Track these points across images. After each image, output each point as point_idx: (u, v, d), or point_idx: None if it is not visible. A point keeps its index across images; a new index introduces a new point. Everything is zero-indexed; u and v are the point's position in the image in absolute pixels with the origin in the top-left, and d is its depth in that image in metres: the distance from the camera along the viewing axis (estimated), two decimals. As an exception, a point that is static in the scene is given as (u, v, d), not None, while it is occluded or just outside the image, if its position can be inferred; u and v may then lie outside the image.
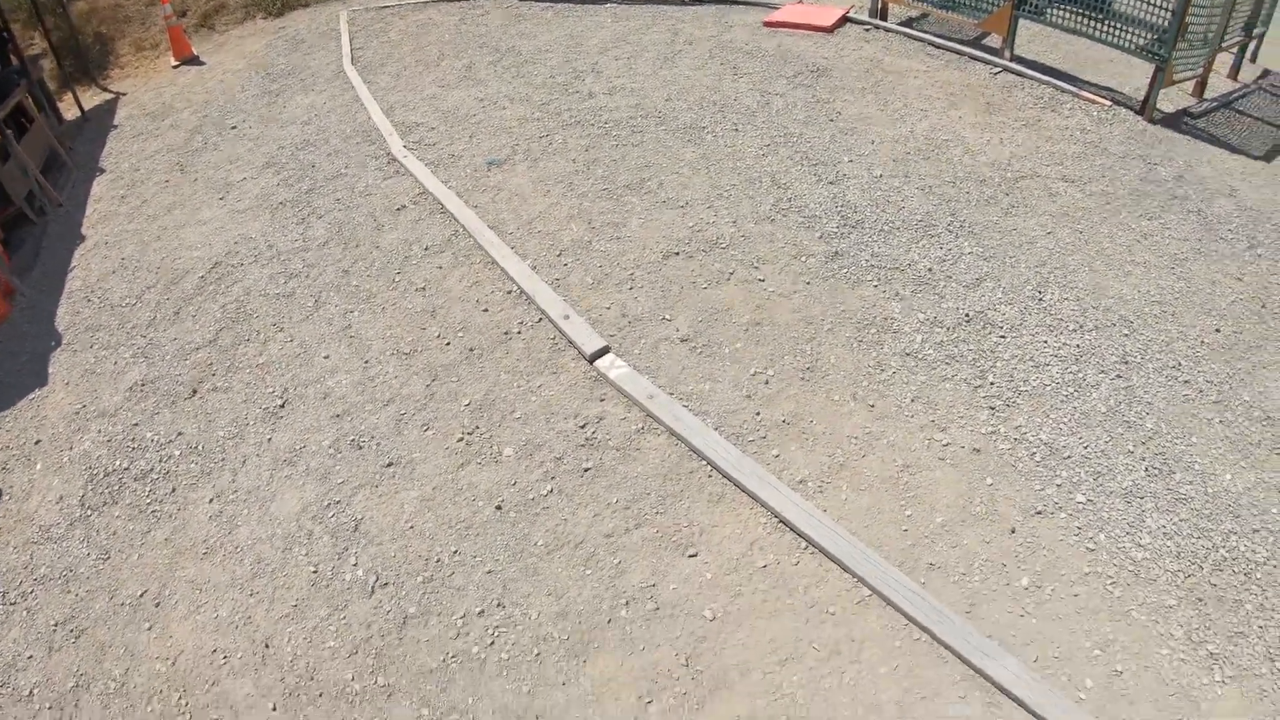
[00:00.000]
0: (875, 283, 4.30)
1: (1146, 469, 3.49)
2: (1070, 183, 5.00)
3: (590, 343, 4.20)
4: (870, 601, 3.15)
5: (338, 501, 3.82)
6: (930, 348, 3.97)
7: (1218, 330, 3.97)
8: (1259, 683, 2.98)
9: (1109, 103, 5.81)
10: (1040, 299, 4.14)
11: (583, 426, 3.91)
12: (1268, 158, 5.11)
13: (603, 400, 4.00)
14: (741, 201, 5.22)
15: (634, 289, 4.52)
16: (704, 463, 3.63)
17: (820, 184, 5.25)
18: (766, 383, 3.93)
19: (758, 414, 3.79)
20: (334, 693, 3.15)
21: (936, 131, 5.73)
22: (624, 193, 5.50)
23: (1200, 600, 3.15)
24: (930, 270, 4.33)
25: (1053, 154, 5.33)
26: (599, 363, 4.14)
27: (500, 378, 4.23)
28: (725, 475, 3.55)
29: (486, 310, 4.59)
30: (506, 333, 4.45)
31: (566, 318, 4.37)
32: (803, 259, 4.52)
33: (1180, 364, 3.85)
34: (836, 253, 4.51)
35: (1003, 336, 3.99)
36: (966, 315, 4.09)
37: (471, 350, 4.40)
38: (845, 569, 3.21)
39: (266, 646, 3.34)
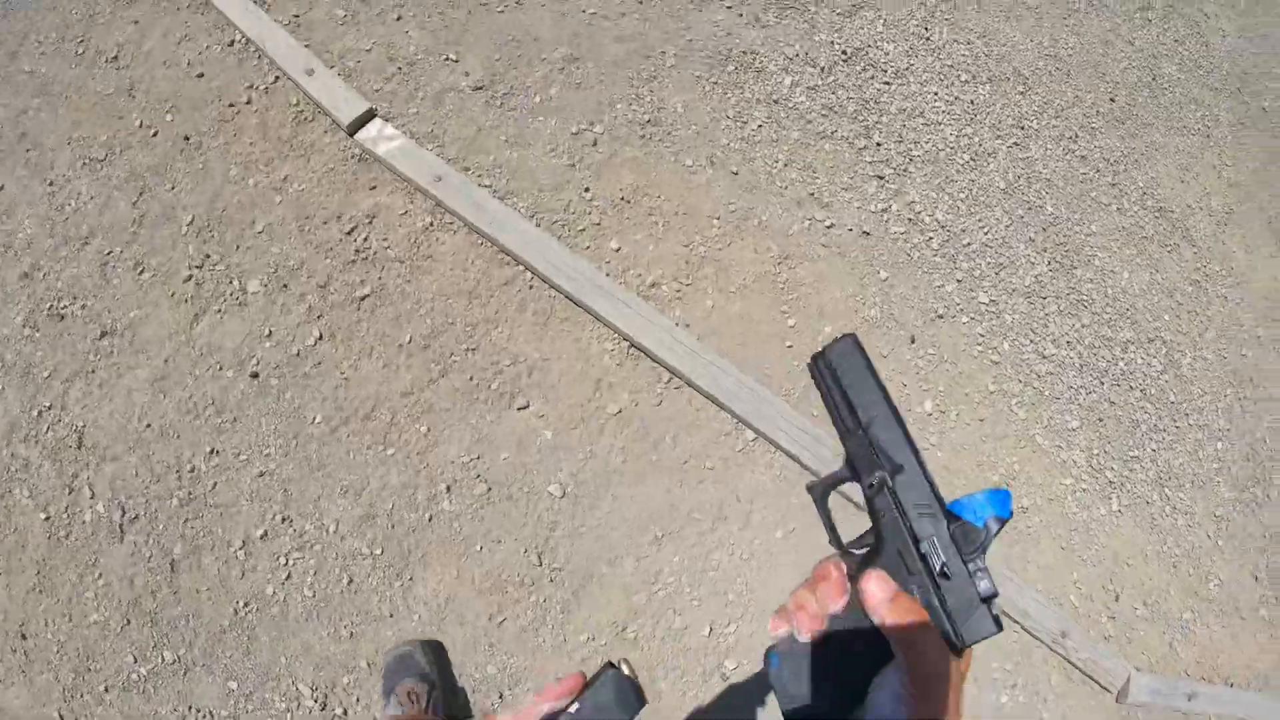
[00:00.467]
0: (730, 3, 3.10)
1: (1049, 262, 2.88)
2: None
3: (347, 106, 2.66)
4: (756, 448, 2.30)
5: (49, 407, 2.35)
6: (802, 93, 2.93)
7: (1112, 100, 3.35)
8: (1149, 511, 2.67)
9: None
10: (927, 37, 3.22)
11: (350, 232, 2.51)
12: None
13: (374, 189, 2.58)
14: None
15: (404, 19, 2.92)
16: (521, 268, 2.43)
17: None
18: (595, 143, 2.70)
19: (587, 190, 2.60)
20: (120, 683, 2.15)
21: None
22: None
23: (1100, 420, 2.70)
24: (798, -8, 3.20)
25: None
26: (362, 134, 2.63)
27: (230, 173, 2.63)
28: (551, 284, 2.39)
29: (202, 75, 2.79)
30: (232, 104, 2.74)
31: (311, 73, 2.71)
32: (627, -31, 3.15)
33: (1077, 135, 3.20)
34: (674, -42, 3.18)
35: (887, 83, 3.05)
36: (844, 52, 3.07)
37: (187, 139, 2.68)
38: (721, 406, 2.28)
39: (23, 638, 2.21)
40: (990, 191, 2.91)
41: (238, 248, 2.51)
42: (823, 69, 2.99)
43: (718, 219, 2.60)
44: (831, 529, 0.75)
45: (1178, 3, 3.83)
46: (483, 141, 2.69)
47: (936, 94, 3.05)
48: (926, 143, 2.93)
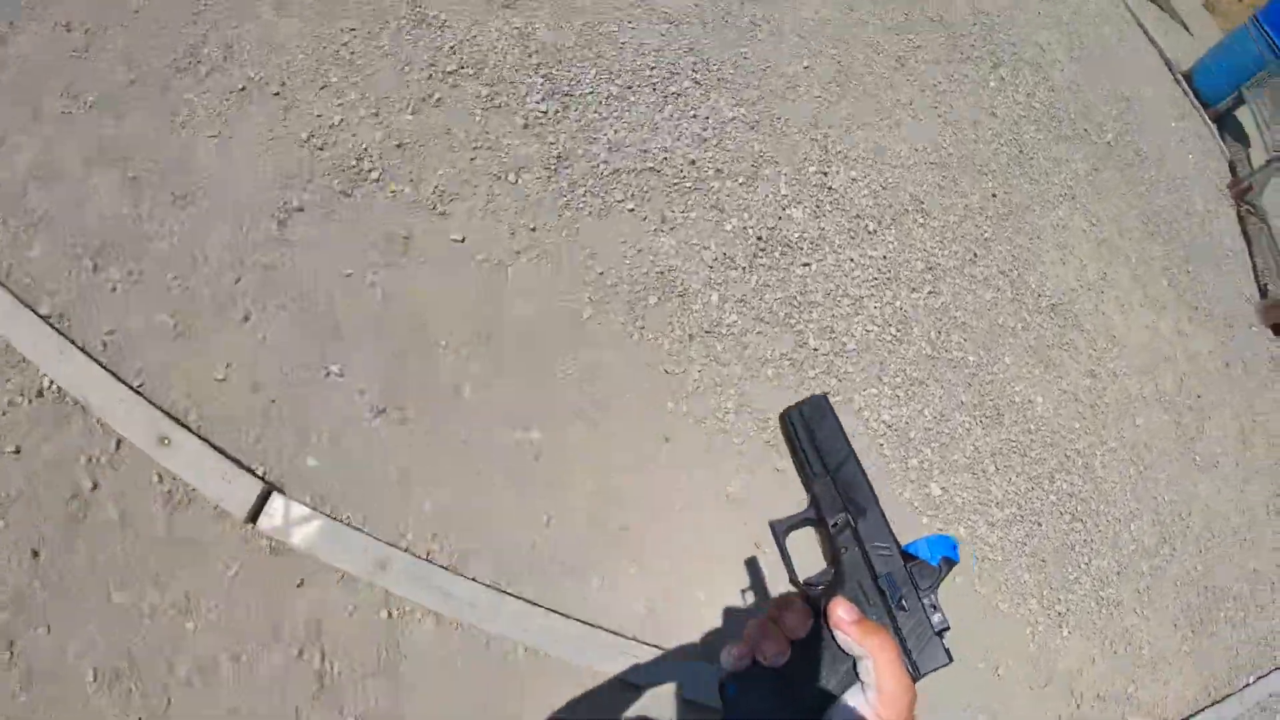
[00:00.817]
0: (630, 203, 2.77)
1: (981, 421, 3.01)
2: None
3: (234, 490, 2.10)
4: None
5: None
6: (733, 310, 2.76)
7: (994, 195, 3.39)
8: (1090, 619, 3.01)
9: None
10: (828, 185, 3.07)
11: (300, 654, 2.08)
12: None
13: (301, 585, 2.12)
14: (377, 67, 2.79)
15: (252, 318, 2.32)
16: (514, 643, 2.22)
17: (494, 17, 3.11)
18: (538, 458, 2.40)
19: (549, 524, 2.36)
20: None
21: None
22: (170, 77, 2.57)
23: (1043, 562, 2.98)
24: (694, 163, 2.90)
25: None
26: (265, 521, 2.11)
27: (113, 599, 2.01)
28: (551, 656, 2.22)
29: (19, 451, 2.07)
30: (74, 495, 2.06)
31: (166, 442, 2.09)
32: (512, 179, 2.68)
33: (975, 255, 3.24)
34: (560, 156, 2.74)
35: (806, 264, 2.92)
36: (759, 237, 2.88)
37: (37, 555, 2.00)
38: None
39: None
40: (919, 363, 2.94)
41: (169, 702, 2.02)
42: (744, 268, 2.80)
43: (690, 511, 2.49)
44: (790, 566, 0.83)
45: (1020, 48, 3.83)
46: (410, 487, 2.33)
47: (853, 261, 2.96)
48: (856, 329, 2.88)
